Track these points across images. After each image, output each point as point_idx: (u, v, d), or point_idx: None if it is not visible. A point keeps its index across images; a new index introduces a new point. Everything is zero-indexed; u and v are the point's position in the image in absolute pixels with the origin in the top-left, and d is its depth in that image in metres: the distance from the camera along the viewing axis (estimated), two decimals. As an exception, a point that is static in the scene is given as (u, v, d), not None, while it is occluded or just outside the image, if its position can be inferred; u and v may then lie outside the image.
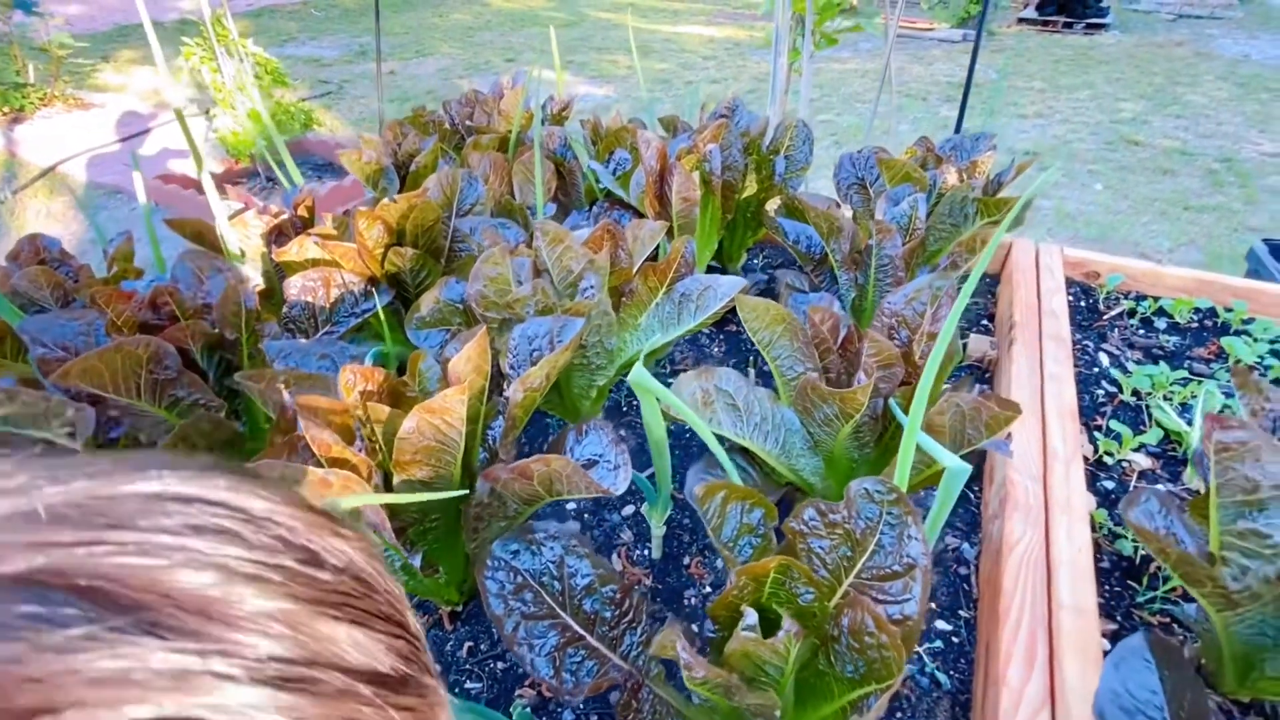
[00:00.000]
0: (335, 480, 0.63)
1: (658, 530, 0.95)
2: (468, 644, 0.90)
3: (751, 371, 1.33)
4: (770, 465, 0.90)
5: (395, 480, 0.73)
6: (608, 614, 0.66)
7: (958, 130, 2.84)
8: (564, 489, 0.68)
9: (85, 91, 6.36)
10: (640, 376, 0.66)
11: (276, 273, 1.36)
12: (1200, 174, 4.68)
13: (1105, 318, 1.54)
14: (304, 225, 1.39)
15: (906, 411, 0.80)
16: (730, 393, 0.86)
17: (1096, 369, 1.37)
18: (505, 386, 0.86)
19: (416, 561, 0.73)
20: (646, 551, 1.01)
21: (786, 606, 0.60)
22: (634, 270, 1.10)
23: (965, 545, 1.00)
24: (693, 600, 0.94)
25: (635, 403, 1.33)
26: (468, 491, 0.78)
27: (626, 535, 1.04)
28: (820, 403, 0.81)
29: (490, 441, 0.85)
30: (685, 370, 1.45)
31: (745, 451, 0.92)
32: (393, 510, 0.77)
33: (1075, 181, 4.47)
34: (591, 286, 0.97)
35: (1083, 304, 1.59)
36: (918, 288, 0.89)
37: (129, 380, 0.81)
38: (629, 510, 1.08)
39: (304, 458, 0.69)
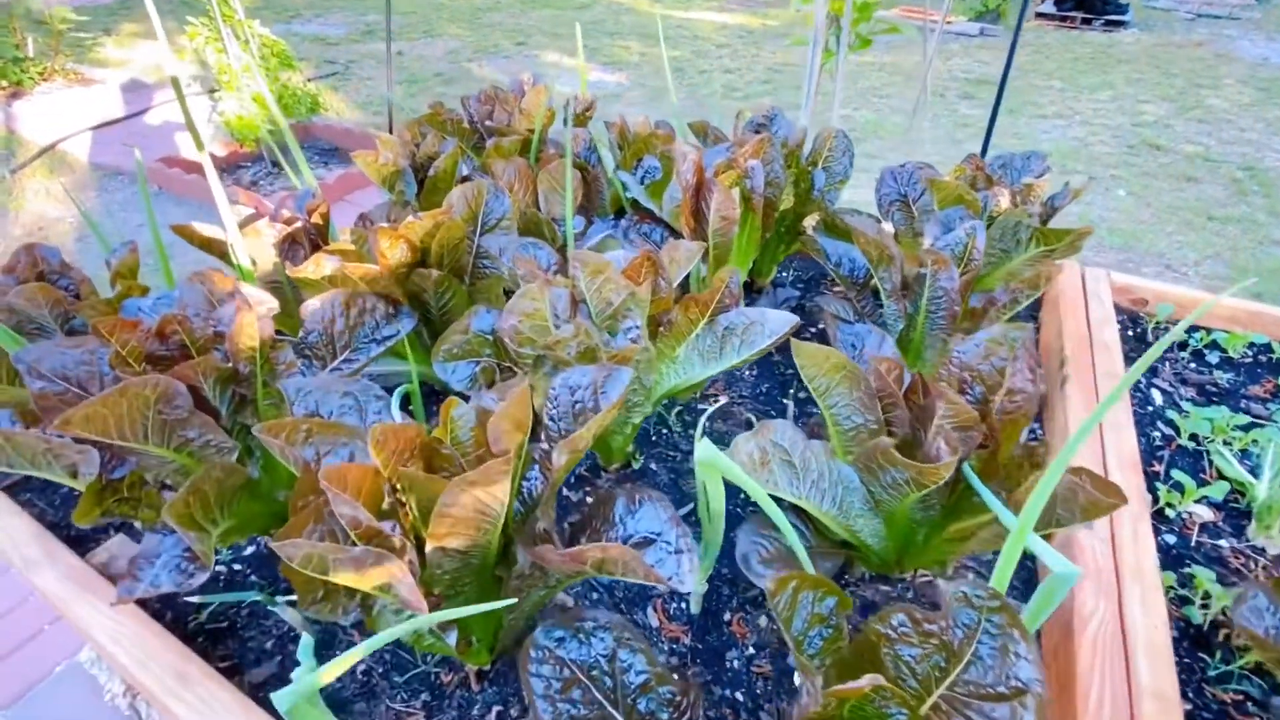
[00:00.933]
0: (368, 561, 0.57)
1: (700, 588, 0.89)
2: (496, 708, 0.84)
3: (790, 405, 1.27)
4: (825, 524, 0.84)
5: (429, 548, 0.67)
6: (665, 716, 0.60)
7: (988, 135, 2.75)
8: (618, 572, 0.61)
9: (86, 66, 6.22)
10: (709, 455, 0.59)
11: (290, 286, 1.29)
12: (1224, 182, 4.59)
13: (1155, 349, 1.47)
14: (318, 233, 1.31)
15: (983, 477, 0.73)
16: (786, 448, 0.79)
17: (1150, 408, 1.31)
18: (541, 434, 0.79)
19: (452, 639, 0.67)
20: (684, 605, 0.95)
21: None
22: (673, 298, 1.03)
23: (1022, 605, 0.94)
24: (735, 664, 0.88)
25: (665, 431, 1.27)
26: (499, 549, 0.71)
27: (662, 587, 0.98)
28: (889, 467, 0.75)
29: (526, 494, 0.78)
30: (716, 396, 1.39)
31: (797, 507, 0.86)
32: (421, 575, 0.71)
33: (1098, 186, 4.38)
34: (635, 326, 0.90)
35: (1130, 333, 1.52)
36: (993, 339, 0.82)
37: (135, 425, 0.74)
38: (663, 556, 1.02)
39: (330, 526, 0.63)
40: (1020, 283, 1.07)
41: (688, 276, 1.39)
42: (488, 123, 1.80)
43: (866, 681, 0.49)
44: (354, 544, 0.61)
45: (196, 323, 0.87)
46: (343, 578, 0.59)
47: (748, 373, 1.45)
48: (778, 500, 0.80)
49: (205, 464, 0.76)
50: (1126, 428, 1.14)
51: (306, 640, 0.63)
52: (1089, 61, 7.16)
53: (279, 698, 0.56)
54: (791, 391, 1.37)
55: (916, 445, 0.82)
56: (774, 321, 0.97)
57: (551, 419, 0.75)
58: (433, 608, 0.70)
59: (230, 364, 0.85)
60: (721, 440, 1.26)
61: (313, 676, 0.56)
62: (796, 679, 0.85)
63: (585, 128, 1.82)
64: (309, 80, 4.96)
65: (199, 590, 0.97)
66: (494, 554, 0.72)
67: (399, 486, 0.67)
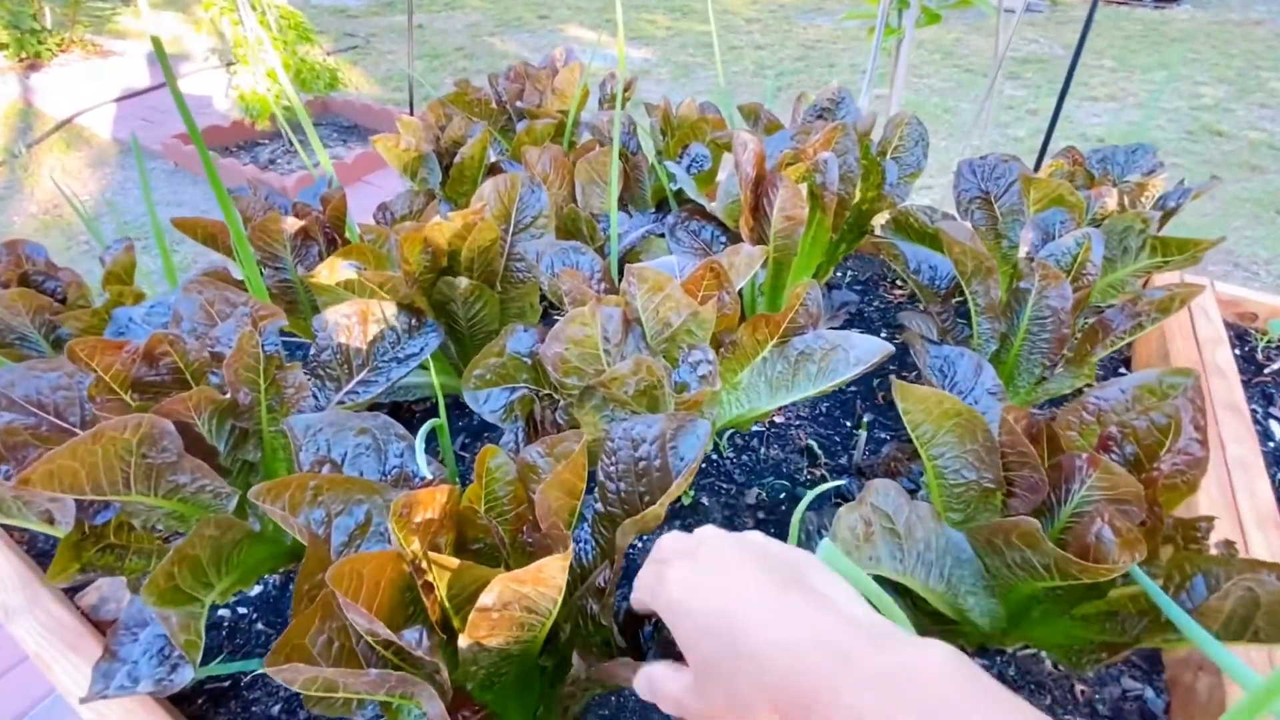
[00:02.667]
0: (388, 685, 0.45)
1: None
2: (534, 800, 0.72)
3: (861, 435, 1.12)
4: (925, 599, 0.70)
5: (463, 643, 0.54)
6: None
7: (1053, 121, 2.54)
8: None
9: (104, 38, 6.13)
10: (834, 558, 0.46)
11: (301, 284, 1.17)
12: (1294, 173, 4.29)
13: (1267, 372, 1.30)
14: (334, 228, 1.18)
15: (1156, 579, 0.59)
16: (889, 514, 0.65)
17: (1272, 443, 1.15)
18: (594, 489, 0.66)
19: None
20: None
21: None
22: (737, 315, 0.89)
23: (1149, 692, 0.80)
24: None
25: (715, 458, 1.13)
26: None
27: None
28: (1024, 549, 0.60)
29: (582, 559, 0.66)
30: (771, 417, 1.25)
31: (895, 583, 0.72)
32: (451, 665, 0.58)
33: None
34: (705, 360, 0.76)
35: (1236, 352, 1.35)
36: (1147, 386, 0.67)
37: (113, 474, 0.62)
38: (721, 613, 0.89)
39: (341, 622, 0.50)
40: (1149, 305, 0.91)
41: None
42: (518, 103, 1.65)
43: None
44: (371, 651, 0.49)
45: (191, 342, 0.75)
46: (359, 694, 0.47)
47: (804, 389, 1.30)
48: (879, 579, 0.66)
49: (197, 519, 0.64)
50: (1257, 470, 0.98)
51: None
52: (1140, 40, 6.77)
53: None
54: (858, 414, 1.23)
55: (1043, 512, 0.67)
56: (860, 348, 0.82)
57: (609, 477, 0.62)
58: (461, 704, 0.58)
59: (229, 394, 0.73)
60: (778, 469, 1.12)
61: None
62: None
63: (624, 109, 1.67)
64: (328, 54, 4.81)
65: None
66: (539, 645, 0.59)
67: (427, 566, 0.55)
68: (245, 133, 4.16)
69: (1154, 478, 0.60)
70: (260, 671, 0.82)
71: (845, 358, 0.83)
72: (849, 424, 1.22)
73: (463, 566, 0.51)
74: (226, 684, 0.82)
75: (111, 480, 0.63)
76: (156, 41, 0.89)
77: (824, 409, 1.25)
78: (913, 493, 0.85)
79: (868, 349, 0.82)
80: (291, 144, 4.06)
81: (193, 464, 0.67)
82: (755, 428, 1.20)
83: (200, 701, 0.80)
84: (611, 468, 0.62)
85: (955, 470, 0.72)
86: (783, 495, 1.07)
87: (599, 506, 0.64)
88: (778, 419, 1.22)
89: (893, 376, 0.71)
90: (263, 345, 0.79)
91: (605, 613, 0.56)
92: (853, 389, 1.30)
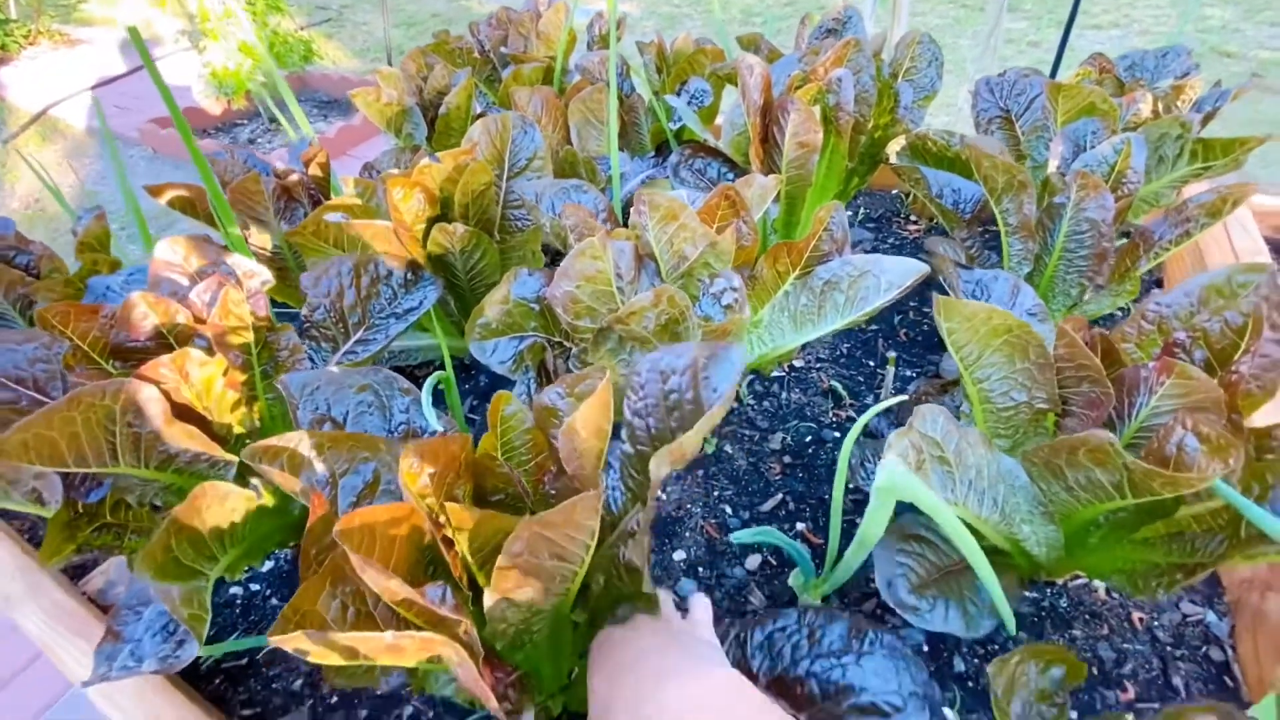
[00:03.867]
0: (410, 647, 0.40)
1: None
2: (574, 761, 0.69)
3: (890, 371, 1.07)
4: (978, 531, 0.66)
5: (489, 600, 0.50)
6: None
7: (1063, 43, 2.42)
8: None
9: (72, 27, 5.92)
10: (898, 480, 0.41)
11: (291, 253, 1.10)
12: (1306, 95, 4.14)
13: (1309, 283, 1.24)
14: (318, 187, 1.12)
15: (1245, 492, 0.54)
16: (939, 440, 0.60)
17: (1320, 355, 1.09)
18: (621, 431, 0.61)
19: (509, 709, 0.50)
20: (787, 622, 0.79)
21: None
22: (755, 246, 0.83)
23: (1210, 615, 0.76)
24: (860, 696, 0.72)
25: (736, 405, 1.08)
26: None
27: (756, 598, 0.81)
28: (1092, 467, 0.55)
29: (611, 506, 0.61)
30: (790, 359, 1.19)
31: (941, 511, 0.68)
32: (477, 622, 0.54)
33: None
34: (730, 288, 0.70)
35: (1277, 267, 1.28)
36: (1215, 285, 0.61)
37: (96, 444, 0.57)
38: (754, 562, 0.85)
39: (354, 586, 0.46)
40: (1197, 210, 0.85)
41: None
42: (502, 49, 1.56)
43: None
44: (389, 613, 0.45)
45: (173, 304, 0.69)
46: (379, 659, 0.43)
47: (824, 330, 1.25)
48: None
49: (197, 490, 0.59)
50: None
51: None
52: (1144, -37, 6.50)
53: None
54: (881, 353, 1.17)
55: (1109, 429, 0.62)
56: (892, 271, 0.76)
57: (637, 414, 0.57)
58: (498, 671, 0.54)
59: (217, 356, 0.67)
60: (801, 413, 1.07)
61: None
62: None
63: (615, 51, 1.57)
64: (301, 29, 4.64)
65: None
66: (571, 598, 0.55)
67: (445, 521, 0.50)
68: (222, 116, 4.04)
69: (1234, 381, 0.55)
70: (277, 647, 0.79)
71: (876, 283, 0.77)
72: (872, 364, 1.16)
73: (485, 516, 0.46)
74: (244, 662, 0.78)
75: (96, 450, 0.58)
76: (134, 31, 0.81)
77: (845, 350, 1.20)
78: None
79: (900, 271, 0.76)
80: (271, 121, 3.94)
81: (182, 430, 0.62)
82: (775, 372, 1.15)
83: (218, 681, 0.77)
84: (640, 403, 0.57)
85: (1004, 393, 0.67)
86: (809, 439, 1.02)
87: (626, 448, 0.59)
88: (798, 363, 1.17)
89: (934, 294, 0.65)
90: (250, 307, 0.74)
91: (639, 555, 0.51)
92: (874, 328, 1.24)
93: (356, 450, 0.56)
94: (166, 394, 0.62)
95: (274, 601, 0.85)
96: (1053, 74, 2.14)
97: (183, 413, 0.64)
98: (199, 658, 0.79)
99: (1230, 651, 0.73)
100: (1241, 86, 1.08)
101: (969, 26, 5.21)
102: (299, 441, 0.54)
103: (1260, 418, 0.63)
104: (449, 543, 0.52)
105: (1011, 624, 0.58)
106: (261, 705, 0.74)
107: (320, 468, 0.55)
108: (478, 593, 0.53)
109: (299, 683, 0.76)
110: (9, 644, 1.47)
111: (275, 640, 0.38)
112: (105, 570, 0.86)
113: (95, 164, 4.08)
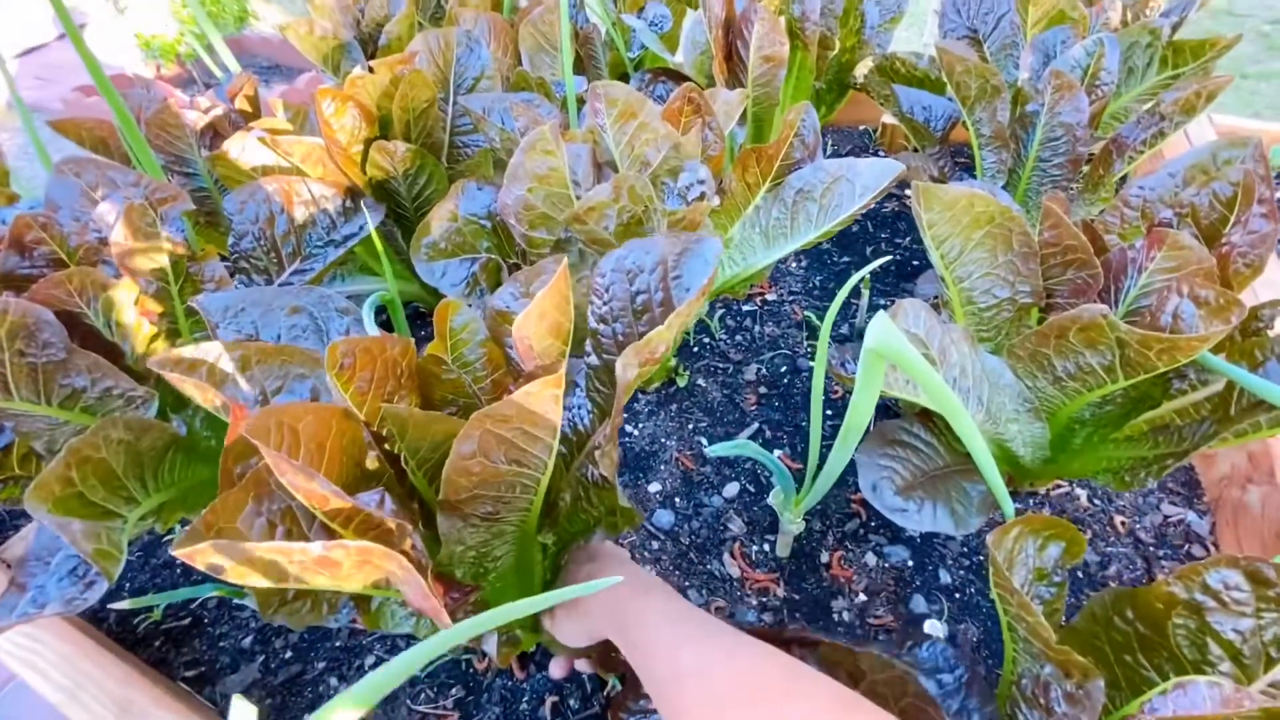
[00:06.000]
0: (346, 561, 0.35)
1: (794, 527, 0.69)
2: (550, 699, 0.65)
3: (864, 296, 1.04)
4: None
5: (442, 518, 0.45)
6: None
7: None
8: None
9: (-24, -9, 5.47)
10: (887, 339, 0.36)
11: (219, 191, 1.01)
12: (1253, 37, 4.20)
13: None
14: (247, 122, 1.02)
15: (1235, 360, 0.52)
16: (922, 337, 0.57)
17: None
18: (586, 344, 0.56)
19: (491, 648, 0.46)
20: (768, 547, 0.76)
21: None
22: (722, 154, 0.78)
23: (1190, 515, 0.76)
24: (845, 615, 0.70)
25: (707, 340, 1.04)
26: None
27: (736, 525, 0.78)
28: (1083, 349, 0.52)
29: (568, 429, 0.56)
30: (761, 293, 1.15)
31: (924, 414, 0.65)
32: (431, 550, 0.49)
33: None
34: (697, 181, 0.65)
35: (1237, 184, 1.28)
36: (1197, 164, 0.58)
37: (-19, 373, 0.50)
38: (732, 490, 0.82)
39: (283, 502, 0.40)
40: (1172, 107, 0.82)
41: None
42: (446, -19, 1.46)
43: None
44: (323, 530, 0.39)
45: (70, 224, 0.61)
46: (314, 583, 0.37)
47: (794, 264, 1.21)
48: (905, 406, 0.59)
49: (102, 421, 0.53)
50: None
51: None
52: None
53: None
54: (858, 282, 1.14)
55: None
56: (867, 174, 0.72)
57: (602, 319, 0.52)
58: (454, 592, 0.50)
59: (124, 278, 0.60)
60: (775, 345, 1.04)
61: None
62: (925, 625, 0.67)
63: (567, -18, 1.48)
64: (235, -12, 4.36)
65: (139, 588, 0.76)
66: (535, 516, 0.50)
67: (385, 432, 0.44)
68: (154, 80, 3.79)
69: (1225, 253, 0.52)
70: (220, 598, 0.73)
71: (850, 189, 0.73)
72: (865, 298, 1.13)
73: (429, 418, 0.41)
74: (187, 621, 0.72)
75: (-19, 381, 0.50)
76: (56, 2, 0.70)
77: (818, 282, 1.16)
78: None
79: (875, 173, 0.72)
80: (206, 86, 3.70)
81: (88, 361, 0.55)
82: (747, 306, 1.11)
83: (159, 644, 0.71)
84: (604, 308, 0.51)
85: (985, 290, 0.64)
86: (784, 369, 0.99)
87: (592, 359, 0.54)
88: (770, 296, 1.13)
89: (915, 182, 0.61)
90: (165, 230, 0.66)
91: (608, 468, 0.47)
92: (846, 259, 1.21)
93: (290, 365, 0.50)
94: (66, 317, 0.54)
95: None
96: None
97: (89, 341, 0.57)
98: (137, 621, 0.73)
99: (1213, 548, 0.72)
100: (1209, -8, 1.06)
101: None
102: (219, 354, 0.47)
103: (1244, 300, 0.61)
104: (394, 460, 0.46)
105: (1010, 511, 0.55)
106: (207, 665, 0.69)
107: (246, 385, 0.48)
108: (430, 516, 0.48)
109: (248, 640, 0.71)
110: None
111: (180, 552, 0.32)
112: (25, 536, 0.78)
113: (16, 138, 3.79)
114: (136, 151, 0.82)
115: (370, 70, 0.78)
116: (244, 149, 0.77)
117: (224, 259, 0.77)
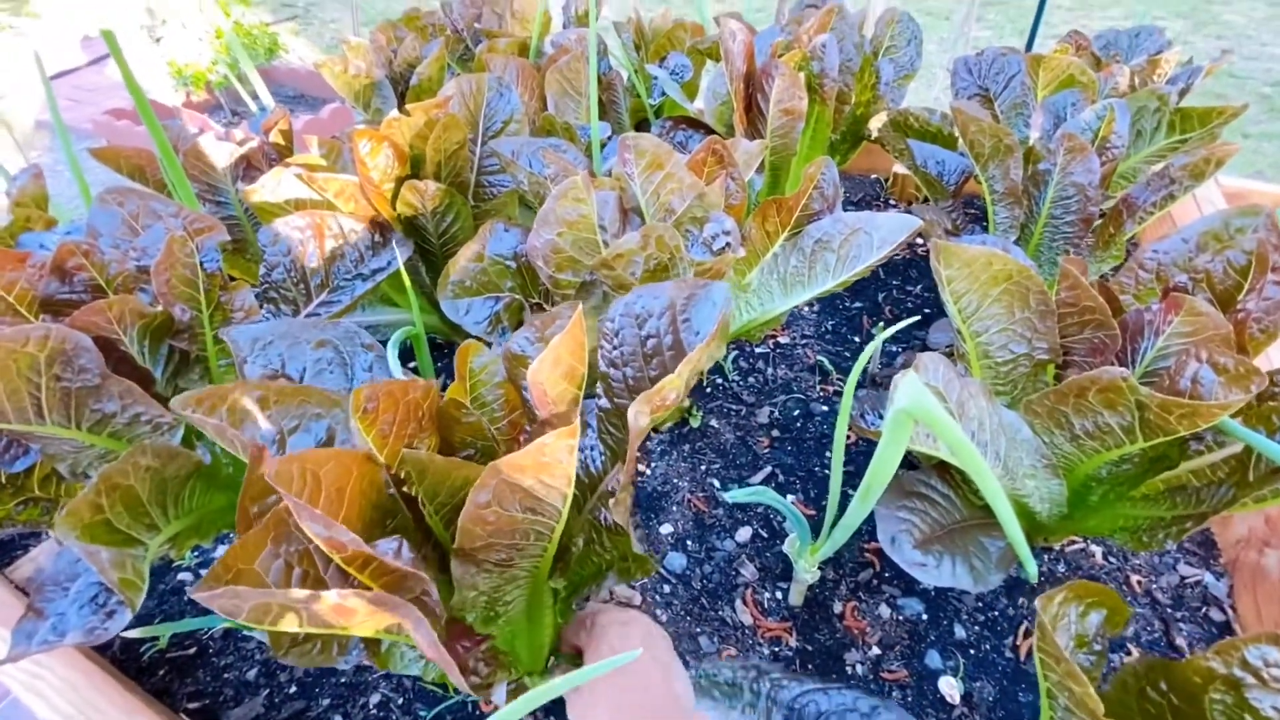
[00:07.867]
0: (361, 609, 0.35)
1: (809, 576, 0.69)
2: (556, 745, 0.64)
3: (877, 343, 1.04)
4: (979, 489, 0.63)
5: (455, 565, 0.45)
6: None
7: (1033, 32, 2.47)
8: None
9: (21, 19, 5.70)
10: (917, 401, 0.37)
11: (249, 220, 1.04)
12: (1253, 99, 4.31)
13: None
14: (280, 155, 1.05)
15: (1254, 426, 0.52)
16: (941, 389, 0.57)
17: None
18: (597, 387, 0.57)
19: (500, 698, 0.46)
20: (780, 595, 0.75)
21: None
22: (744, 204, 0.80)
23: (1208, 576, 0.75)
24: (859, 668, 0.69)
25: (720, 380, 1.05)
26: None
27: (748, 571, 0.78)
28: (1101, 410, 0.53)
29: (581, 471, 0.56)
30: (774, 335, 1.16)
31: (942, 467, 0.65)
32: (444, 594, 0.49)
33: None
34: (722, 232, 0.67)
35: (1245, 244, 1.30)
36: (1211, 231, 0.60)
37: (19, 398, 0.51)
38: (744, 534, 0.82)
39: (300, 545, 0.40)
40: (1181, 171, 0.84)
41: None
42: (476, 26, 1.52)
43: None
44: (340, 572, 0.39)
45: (110, 253, 0.63)
46: (327, 629, 0.37)
47: (807, 308, 1.22)
48: (923, 459, 0.59)
49: (133, 449, 0.53)
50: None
51: None
52: (1099, -22, 6.76)
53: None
54: (865, 329, 1.15)
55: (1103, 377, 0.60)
56: (885, 228, 0.74)
57: (613, 364, 0.53)
58: (465, 640, 0.49)
59: (160, 308, 0.61)
60: (788, 388, 1.04)
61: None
62: (944, 687, 0.66)
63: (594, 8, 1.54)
64: (266, 24, 4.52)
65: (145, 615, 0.75)
66: (548, 563, 0.50)
67: (404, 474, 0.45)
68: (184, 106, 3.90)
69: (1241, 320, 0.53)
70: (227, 628, 0.72)
71: (869, 241, 0.75)
72: (858, 339, 1.14)
73: (447, 464, 0.42)
74: (192, 651, 0.72)
75: (17, 406, 0.51)
76: (109, 36, 0.74)
77: (830, 326, 1.17)
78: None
79: (893, 227, 0.73)
80: (233, 114, 3.82)
81: (121, 387, 0.56)
82: (760, 348, 1.12)
83: (163, 673, 0.70)
84: (615, 352, 0.52)
85: (1002, 345, 0.65)
86: (796, 412, 0.99)
87: (604, 403, 0.55)
88: (783, 339, 1.14)
89: (934, 240, 0.63)
90: (201, 260, 0.68)
91: (622, 515, 0.47)
92: (858, 305, 1.22)
93: (307, 405, 0.51)
94: (103, 343, 0.56)
95: (227, 588, 0.78)
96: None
97: (121, 367, 0.58)
98: (142, 648, 0.72)
99: (1231, 612, 0.71)
100: (1214, 61, 1.09)
101: (933, 33, 5.33)
102: (240, 392, 0.48)
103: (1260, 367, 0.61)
104: (411, 501, 0.47)
105: (1033, 569, 0.55)
106: (211, 697, 0.68)
107: (265, 423, 0.49)
108: (445, 559, 0.48)
109: (253, 672, 0.70)
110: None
111: (200, 596, 0.33)
112: (34, 558, 0.78)
113: (45, 157, 3.89)
114: (175, 181, 0.85)
115: (406, 113, 0.81)
116: (279, 185, 0.80)
117: (252, 287, 0.78)
